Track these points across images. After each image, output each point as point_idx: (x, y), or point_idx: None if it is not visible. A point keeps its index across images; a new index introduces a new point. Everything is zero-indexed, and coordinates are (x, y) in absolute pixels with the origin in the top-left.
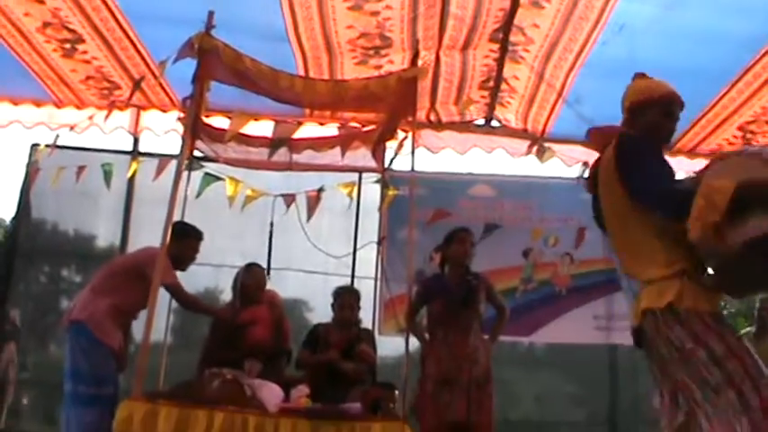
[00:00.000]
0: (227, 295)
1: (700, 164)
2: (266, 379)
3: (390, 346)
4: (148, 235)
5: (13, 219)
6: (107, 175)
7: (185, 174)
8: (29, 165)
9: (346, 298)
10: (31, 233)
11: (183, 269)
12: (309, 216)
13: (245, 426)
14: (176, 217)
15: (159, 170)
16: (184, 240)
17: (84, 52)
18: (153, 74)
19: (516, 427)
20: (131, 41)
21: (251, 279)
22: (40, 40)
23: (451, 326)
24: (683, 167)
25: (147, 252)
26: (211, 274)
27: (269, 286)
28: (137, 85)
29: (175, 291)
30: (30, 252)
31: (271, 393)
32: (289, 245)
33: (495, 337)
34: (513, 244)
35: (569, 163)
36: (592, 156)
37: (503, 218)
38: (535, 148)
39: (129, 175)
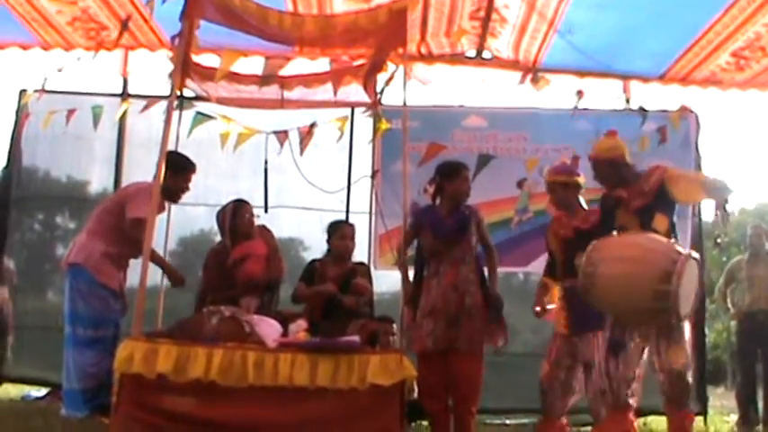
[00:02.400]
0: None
1: (693, 92)
2: (263, 313)
3: (387, 280)
4: (142, 178)
5: (5, 167)
6: (96, 118)
7: (176, 114)
8: (18, 110)
9: (346, 228)
10: (23, 181)
11: (176, 201)
12: (301, 151)
13: (245, 361)
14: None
15: (147, 106)
16: (180, 173)
17: None
18: (140, 13)
19: (514, 360)
20: None
21: (241, 217)
22: None
23: (443, 257)
24: (675, 96)
25: (136, 186)
26: (206, 215)
27: (264, 224)
28: (124, 25)
29: (134, 225)
30: (23, 200)
31: (269, 329)
32: (283, 183)
33: (494, 280)
34: (507, 174)
35: (563, 92)
36: (586, 85)
37: (496, 149)
38: (529, 77)
39: (119, 115)
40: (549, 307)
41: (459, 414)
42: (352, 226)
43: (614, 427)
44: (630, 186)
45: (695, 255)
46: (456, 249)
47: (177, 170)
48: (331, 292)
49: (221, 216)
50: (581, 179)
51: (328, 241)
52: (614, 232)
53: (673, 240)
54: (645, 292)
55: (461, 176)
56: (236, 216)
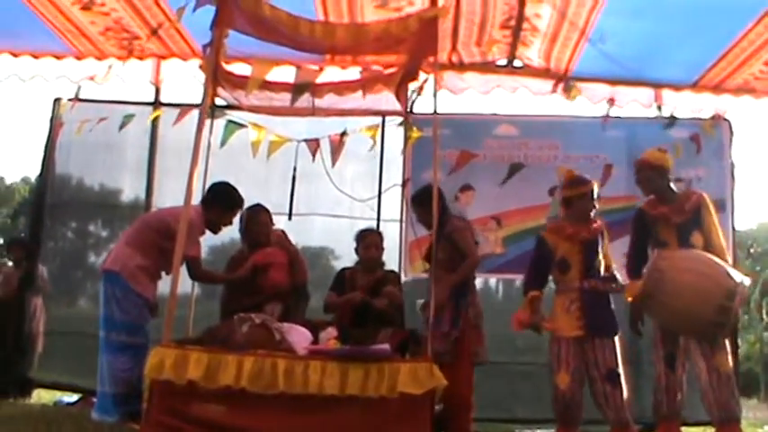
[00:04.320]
0: None
1: (725, 100)
2: (287, 320)
3: (418, 288)
4: (173, 186)
5: (39, 175)
6: (125, 122)
7: (208, 122)
8: (52, 119)
9: (370, 237)
10: (57, 189)
11: (216, 232)
12: (334, 161)
13: (275, 369)
14: (200, 168)
15: (180, 117)
16: (229, 209)
17: (102, 4)
18: (172, 22)
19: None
20: None
21: (254, 223)
22: None
23: None
24: (708, 104)
25: (190, 220)
26: (237, 224)
27: (293, 233)
28: (154, 31)
29: (194, 265)
30: (56, 208)
31: (299, 336)
32: (314, 191)
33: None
34: (538, 183)
35: (594, 101)
36: (616, 93)
37: (528, 157)
38: (561, 86)
39: (151, 119)
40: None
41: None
42: (377, 234)
43: None
44: (667, 203)
45: (747, 281)
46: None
47: (227, 207)
48: (357, 299)
49: (240, 222)
50: (596, 185)
51: (356, 250)
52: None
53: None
54: (710, 305)
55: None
56: (250, 221)
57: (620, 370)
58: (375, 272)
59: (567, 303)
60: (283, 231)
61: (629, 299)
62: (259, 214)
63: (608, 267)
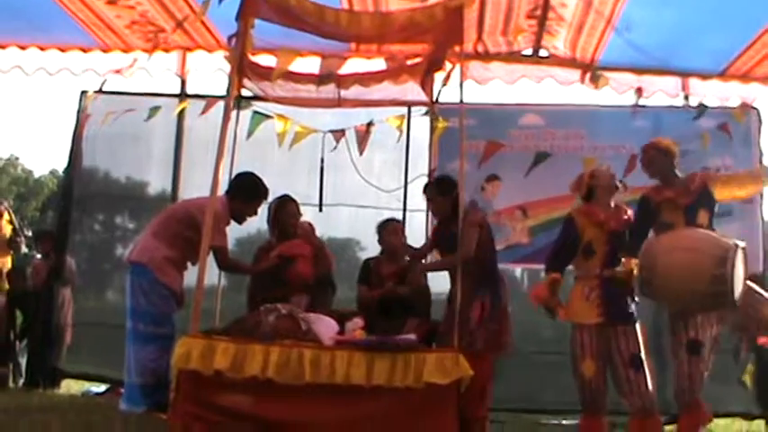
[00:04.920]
0: None
1: (753, 89)
2: (313, 311)
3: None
4: (199, 177)
5: (66, 168)
6: (151, 113)
7: (234, 113)
8: (79, 112)
9: (392, 224)
10: (84, 181)
11: (240, 224)
12: (361, 151)
13: (301, 359)
14: (226, 159)
15: (206, 108)
16: (254, 199)
17: None
18: (196, 14)
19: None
20: None
21: (283, 213)
22: None
23: None
24: (735, 93)
25: (215, 211)
26: (263, 215)
27: (319, 224)
28: (180, 23)
29: (221, 255)
30: (84, 200)
31: (326, 327)
32: (339, 182)
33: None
34: (564, 172)
35: (620, 90)
36: (642, 82)
37: (553, 147)
38: (588, 76)
39: (177, 111)
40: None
41: None
42: (397, 222)
43: (693, 422)
44: (673, 186)
45: (742, 244)
46: None
47: (252, 197)
48: (389, 291)
49: (268, 212)
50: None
51: (379, 241)
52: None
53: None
54: (703, 277)
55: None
56: (279, 212)
57: (643, 355)
58: (399, 260)
59: (586, 291)
60: (310, 224)
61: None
62: (287, 204)
63: None
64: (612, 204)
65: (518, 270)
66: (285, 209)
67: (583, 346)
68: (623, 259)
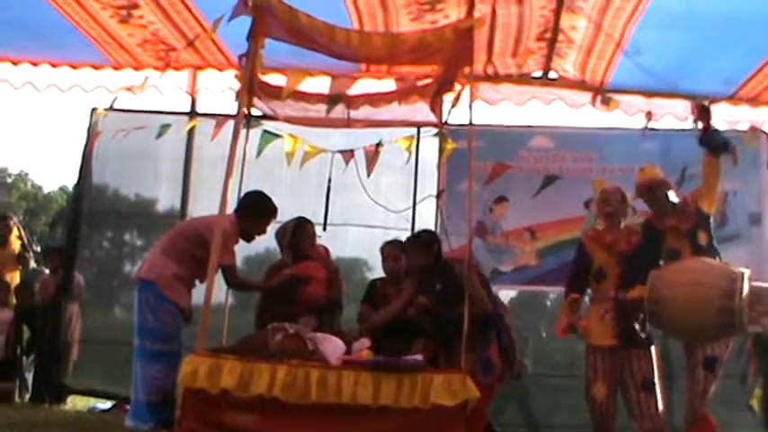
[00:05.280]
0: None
1: (763, 113)
2: (322, 332)
3: None
4: (208, 196)
5: (76, 184)
6: (162, 131)
7: (243, 132)
8: (89, 129)
9: (387, 250)
10: (93, 197)
11: (249, 242)
12: (369, 171)
13: (308, 379)
14: (235, 177)
15: (216, 128)
16: (263, 218)
17: (140, 17)
18: (207, 33)
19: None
20: (185, 4)
21: (304, 235)
22: (96, 7)
23: None
24: (744, 116)
25: (224, 229)
26: (271, 234)
27: (327, 244)
28: (191, 42)
29: (230, 272)
30: (93, 216)
31: (333, 347)
32: (348, 202)
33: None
34: (573, 195)
35: (629, 113)
36: (652, 105)
37: (563, 169)
38: (599, 98)
39: (187, 129)
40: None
41: None
42: (395, 245)
43: None
44: (673, 214)
45: (747, 272)
46: None
47: (261, 216)
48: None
49: (281, 233)
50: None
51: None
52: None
53: (718, 259)
54: (711, 310)
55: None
56: (297, 234)
57: (656, 380)
58: (402, 282)
59: (601, 312)
60: (326, 248)
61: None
62: (305, 226)
63: None
64: (622, 226)
65: (526, 293)
66: (304, 230)
67: (595, 369)
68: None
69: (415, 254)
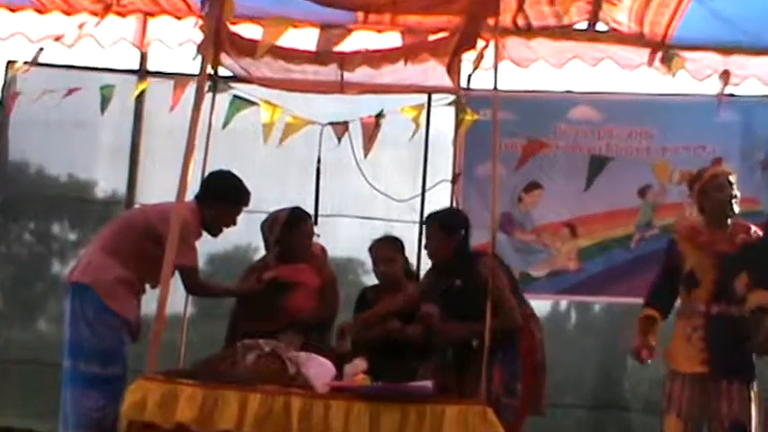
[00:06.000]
0: (260, 253)
1: None
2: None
3: None
4: (162, 177)
5: None
6: (105, 100)
7: (208, 97)
8: (4, 88)
9: (376, 251)
10: (10, 179)
11: (216, 236)
12: (367, 150)
13: (288, 409)
14: (198, 155)
15: (176, 93)
16: (233, 206)
17: None
18: None
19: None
20: None
21: (300, 233)
22: None
23: None
24: None
25: (184, 219)
26: (243, 227)
27: (323, 246)
28: None
29: (190, 275)
30: (10, 203)
31: (319, 369)
32: (340, 187)
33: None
34: (626, 180)
35: (700, 75)
36: (730, 65)
37: (612, 147)
38: (659, 56)
39: (136, 93)
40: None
41: None
42: (387, 244)
43: None
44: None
45: None
46: None
47: (230, 203)
48: (392, 330)
49: (270, 225)
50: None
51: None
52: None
53: None
54: None
55: None
56: (293, 230)
57: (752, 427)
58: (402, 290)
59: (688, 330)
60: (323, 249)
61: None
62: (302, 222)
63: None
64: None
65: (563, 303)
66: (300, 227)
67: (671, 399)
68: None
69: (433, 239)
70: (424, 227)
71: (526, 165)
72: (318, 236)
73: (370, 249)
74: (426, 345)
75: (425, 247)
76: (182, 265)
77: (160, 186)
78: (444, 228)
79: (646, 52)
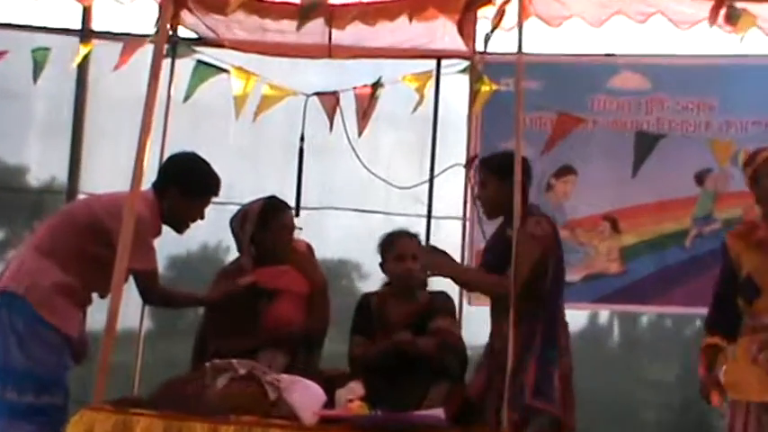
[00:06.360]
0: (233, 254)
1: None
2: (294, 374)
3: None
4: (111, 161)
5: None
6: (37, 66)
7: (167, 63)
8: None
9: (403, 243)
10: None
11: (180, 232)
12: (361, 127)
13: None
14: (155, 132)
15: (124, 57)
16: (199, 195)
17: None
18: None
19: None
20: None
21: (279, 226)
22: None
23: None
24: None
25: (139, 214)
26: (210, 222)
27: (308, 242)
28: None
29: (147, 281)
30: None
31: (306, 395)
32: (330, 174)
33: None
34: (680, 163)
35: None
36: None
37: (663, 123)
38: (723, 13)
39: (78, 57)
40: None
41: None
42: (413, 238)
43: None
44: None
45: None
46: None
47: (195, 192)
48: (404, 342)
49: (240, 221)
50: None
51: (382, 265)
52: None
53: None
54: None
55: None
56: (269, 224)
57: None
58: (415, 296)
59: (753, 349)
60: (309, 246)
61: None
62: (284, 213)
63: None
64: None
65: (604, 314)
66: (278, 220)
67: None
68: None
69: (487, 186)
70: (473, 174)
71: (557, 145)
72: (301, 229)
73: (386, 243)
74: (441, 362)
75: (478, 198)
76: (137, 269)
77: (108, 173)
78: (497, 170)
79: (706, 6)
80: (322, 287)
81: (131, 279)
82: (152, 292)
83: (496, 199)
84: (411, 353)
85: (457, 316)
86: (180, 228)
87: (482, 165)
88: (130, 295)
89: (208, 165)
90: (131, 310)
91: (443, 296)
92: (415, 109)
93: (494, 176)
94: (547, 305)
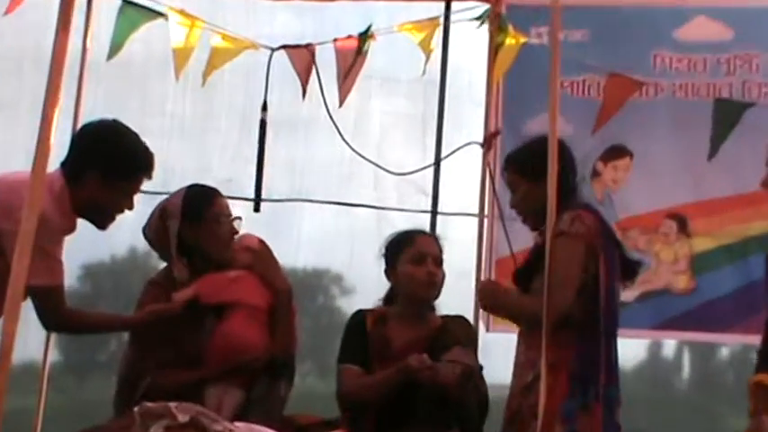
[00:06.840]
0: None
1: None
2: (254, 416)
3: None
4: (10, 133)
5: None
6: None
7: (80, 6)
8: None
9: (422, 242)
10: None
11: (103, 227)
12: (344, 93)
13: None
14: (68, 94)
15: None
16: (127, 175)
17: None
18: None
19: None
20: None
21: (213, 214)
22: None
23: None
24: None
25: (10, 189)
26: (140, 215)
27: (258, 237)
28: None
29: (50, 300)
30: None
31: None
32: (301, 154)
33: None
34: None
35: None
36: None
37: (752, 89)
38: None
39: None
40: None
41: None
42: (433, 238)
43: None
44: None
45: None
46: None
47: (122, 172)
48: (411, 367)
49: (158, 221)
50: None
51: (388, 272)
52: None
53: None
54: None
55: None
56: (197, 217)
57: None
58: (425, 319)
59: None
60: (262, 242)
61: None
62: (214, 199)
63: None
64: None
65: (670, 343)
66: (209, 208)
67: None
68: None
69: (516, 190)
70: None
71: (609, 118)
72: (240, 219)
73: (400, 241)
74: (460, 399)
75: (511, 205)
76: (33, 285)
77: (1, 150)
78: (524, 171)
79: None
80: (285, 297)
81: (30, 298)
82: (56, 314)
83: (530, 205)
84: (428, 385)
85: (476, 341)
86: (101, 221)
87: (507, 163)
88: (30, 318)
89: (136, 136)
90: (31, 336)
91: (460, 321)
92: (423, 72)
93: (522, 179)
94: (605, 323)
